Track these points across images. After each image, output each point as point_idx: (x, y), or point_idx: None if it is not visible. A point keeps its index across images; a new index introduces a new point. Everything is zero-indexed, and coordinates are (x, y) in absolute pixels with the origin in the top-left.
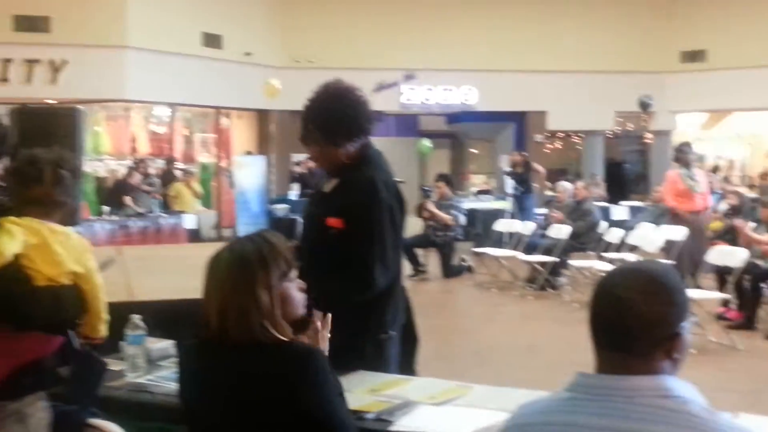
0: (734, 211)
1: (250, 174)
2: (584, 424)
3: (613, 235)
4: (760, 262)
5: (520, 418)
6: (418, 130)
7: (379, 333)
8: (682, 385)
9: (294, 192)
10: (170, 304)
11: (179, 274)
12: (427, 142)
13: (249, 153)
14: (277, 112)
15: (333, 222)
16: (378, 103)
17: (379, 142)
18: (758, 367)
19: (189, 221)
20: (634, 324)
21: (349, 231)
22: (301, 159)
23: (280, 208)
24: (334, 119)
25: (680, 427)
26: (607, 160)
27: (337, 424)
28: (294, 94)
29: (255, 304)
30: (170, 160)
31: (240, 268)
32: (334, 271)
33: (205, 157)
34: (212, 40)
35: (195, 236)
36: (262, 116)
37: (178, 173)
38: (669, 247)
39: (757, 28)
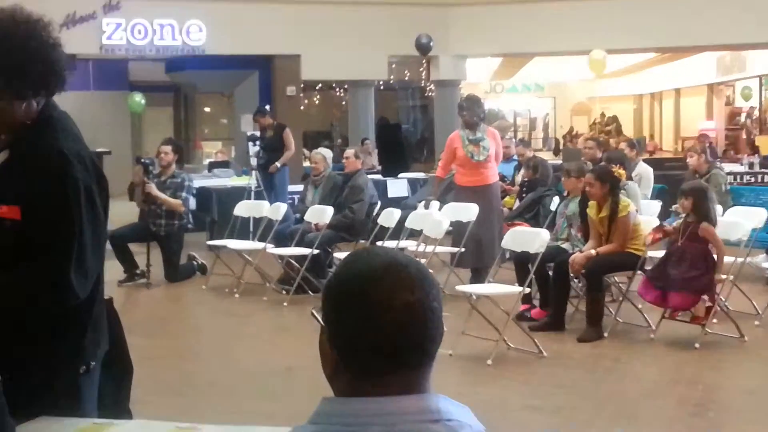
0: (533, 183)
1: None
2: None
3: (390, 218)
4: (566, 246)
5: None
6: (128, 81)
7: (75, 365)
8: (454, 405)
9: None
10: None
11: None
12: (139, 98)
13: None
14: None
15: (6, 212)
16: (70, 43)
17: (72, 97)
18: (568, 377)
19: None
20: (437, 329)
21: (31, 223)
22: None
23: None
24: (25, 59)
25: None
26: (380, 120)
27: None
28: None
29: None
30: None
31: None
32: (12, 277)
33: None
34: None
35: None
36: None
37: None
38: (458, 231)
39: None
